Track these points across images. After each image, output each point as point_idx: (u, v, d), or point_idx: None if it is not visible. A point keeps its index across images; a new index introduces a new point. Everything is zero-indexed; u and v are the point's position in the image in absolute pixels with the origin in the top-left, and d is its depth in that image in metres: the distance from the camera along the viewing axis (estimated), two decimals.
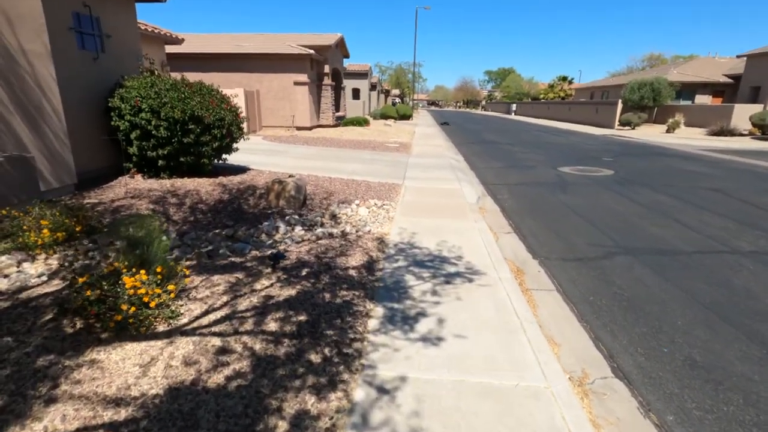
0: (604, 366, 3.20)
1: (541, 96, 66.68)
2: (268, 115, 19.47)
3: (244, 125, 8.45)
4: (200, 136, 7.14)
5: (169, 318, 2.99)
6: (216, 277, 3.82)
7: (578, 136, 23.75)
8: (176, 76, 8.10)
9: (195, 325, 3.01)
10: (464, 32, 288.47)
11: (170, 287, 3.07)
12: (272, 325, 3.14)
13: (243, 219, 5.84)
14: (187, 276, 3.48)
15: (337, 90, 24.74)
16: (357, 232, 5.62)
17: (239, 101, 15.66)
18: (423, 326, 3.42)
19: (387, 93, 56.85)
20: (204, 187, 7.03)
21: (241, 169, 8.88)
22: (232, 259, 4.42)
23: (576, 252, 5.54)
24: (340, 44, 23.65)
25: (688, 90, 32.73)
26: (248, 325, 3.10)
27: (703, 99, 32.87)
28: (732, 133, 23.26)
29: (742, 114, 24.11)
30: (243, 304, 3.39)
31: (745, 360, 3.25)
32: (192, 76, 8.70)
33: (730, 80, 31.96)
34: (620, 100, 30.16)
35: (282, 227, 5.51)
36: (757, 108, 24.31)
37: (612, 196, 8.69)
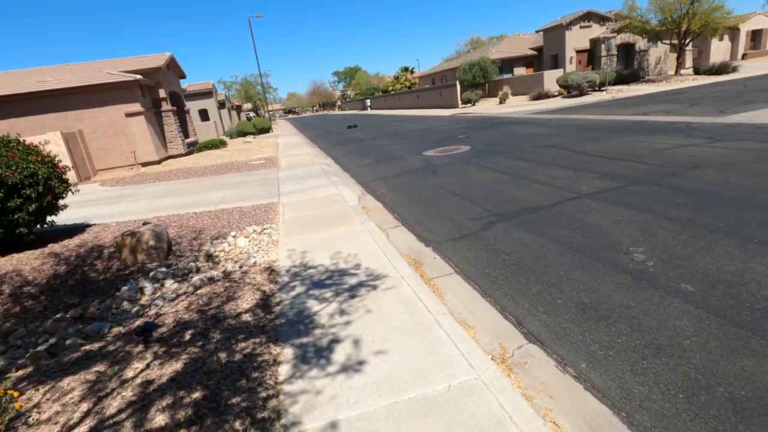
0: (517, 335, 3.33)
1: (390, 88, 70.53)
2: (101, 156, 16.67)
3: (70, 174, 6.95)
4: (6, 202, 5.61)
5: None
6: (66, 381, 2.95)
7: (431, 120, 25.64)
8: None
9: None
10: (307, 37, 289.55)
11: None
12: (160, 419, 2.51)
13: (93, 290, 4.75)
14: (17, 400, 2.59)
15: (181, 114, 22.43)
16: (241, 267, 5.02)
17: (56, 147, 13.03)
18: (340, 354, 3.13)
19: (239, 109, 53.86)
20: (28, 263, 5.56)
21: (78, 229, 7.32)
22: (87, 347, 3.49)
23: (461, 229, 5.80)
24: (172, 64, 21.40)
25: (507, 65, 37.89)
26: None
27: (520, 71, 38.40)
28: (547, 95, 27.64)
29: (550, 78, 28.82)
30: (113, 405, 2.65)
31: (618, 290, 3.70)
32: None
33: (535, 52, 37.93)
34: (457, 82, 33.46)
35: (148, 287, 4.62)
36: (559, 72, 29.28)
37: (475, 169, 9.45)
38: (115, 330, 3.77)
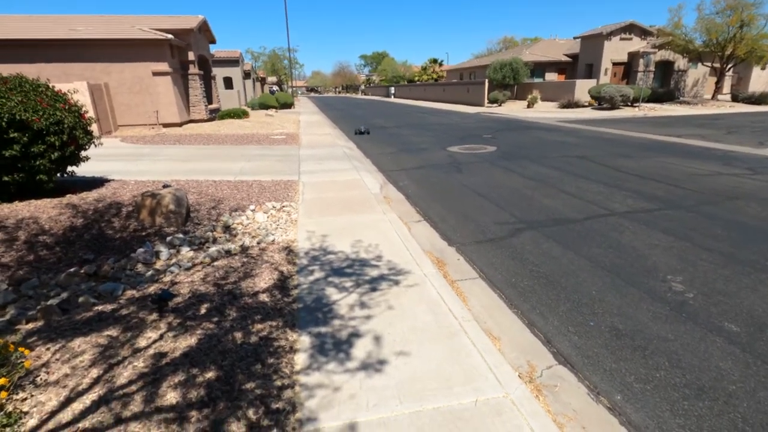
0: (546, 353, 3.15)
1: (416, 78, 69.71)
2: (124, 112, 16.62)
3: (94, 127, 6.85)
4: (29, 147, 5.51)
5: (5, 427, 2.05)
6: (77, 342, 2.84)
7: (456, 116, 25.21)
8: None
9: (50, 426, 2.12)
10: (337, 16, 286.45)
11: None
12: (171, 397, 2.39)
13: (108, 248, 4.65)
14: (26, 357, 2.48)
15: (207, 80, 22.27)
16: (259, 244, 4.89)
17: (82, 98, 12.96)
18: (360, 350, 2.98)
19: (263, 81, 53.59)
20: (45, 211, 5.48)
21: (97, 182, 7.25)
22: (99, 307, 3.38)
23: (486, 233, 5.60)
24: (204, 28, 21.18)
25: (539, 68, 37.02)
26: (136, 406, 2.30)
27: (551, 76, 37.54)
28: (577, 104, 27.00)
29: (582, 88, 28.11)
30: (124, 375, 2.54)
31: (655, 320, 3.50)
32: (8, 69, 6.72)
33: (569, 59, 37.00)
34: (486, 80, 32.82)
35: (164, 252, 4.51)
36: (592, 83, 28.55)
37: (501, 171, 9.19)
38: (129, 293, 3.66)
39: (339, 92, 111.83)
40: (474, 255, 4.93)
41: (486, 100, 32.02)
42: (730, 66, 28.63)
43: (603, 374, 2.91)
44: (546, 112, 25.30)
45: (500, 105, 30.93)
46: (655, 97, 28.26)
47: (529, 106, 28.60)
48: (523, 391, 2.63)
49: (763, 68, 33.29)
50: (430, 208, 6.79)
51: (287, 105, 33.30)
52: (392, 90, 62.86)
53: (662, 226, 5.55)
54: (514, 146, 12.63)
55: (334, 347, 3.01)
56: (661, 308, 3.65)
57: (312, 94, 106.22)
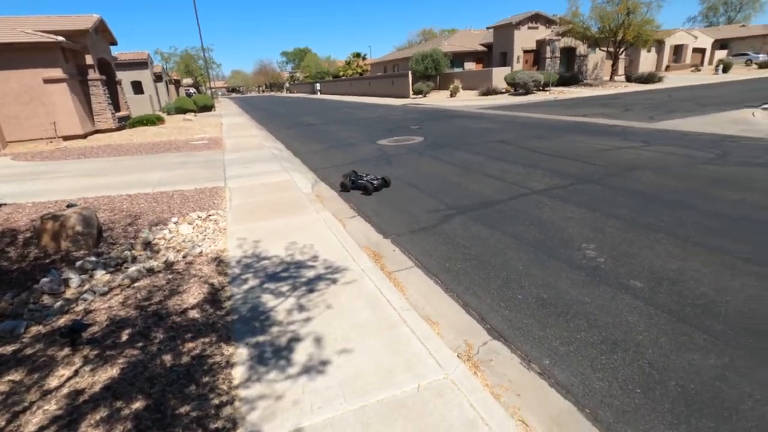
0: (481, 331, 3.31)
1: (341, 73, 69.26)
2: (14, 126, 14.68)
3: None
4: None
5: None
6: None
7: (383, 109, 25.47)
8: None
9: None
10: (254, 13, 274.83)
11: None
12: None
13: (4, 282, 4.10)
14: None
15: (112, 85, 20.35)
16: (185, 258, 4.60)
17: None
18: (301, 354, 2.92)
19: (177, 83, 50.11)
20: None
21: None
22: None
23: (419, 222, 5.74)
24: (102, 28, 19.28)
25: (458, 58, 38.50)
26: None
27: (470, 65, 39.21)
28: (495, 91, 28.49)
29: (499, 75, 29.72)
30: (33, 422, 2.26)
31: (574, 286, 3.82)
32: None
33: (485, 48, 38.87)
34: (410, 72, 33.49)
35: (74, 278, 4.07)
36: (507, 70, 30.27)
37: (429, 161, 9.46)
38: (34, 329, 3.26)
39: (263, 91, 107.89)
40: (409, 245, 5.03)
41: (411, 92, 32.69)
42: (622, 50, 31.82)
43: (533, 343, 3.12)
44: (468, 100, 26.42)
45: (425, 96, 31.75)
46: (563, 81, 30.65)
47: (452, 96, 29.66)
48: (462, 370, 2.74)
49: (648, 51, 37.41)
50: (363, 203, 6.81)
51: (207, 108, 31.52)
52: (318, 86, 61.96)
53: (575, 200, 6.06)
54: (440, 135, 13.05)
55: (274, 355, 2.92)
56: (578, 275, 4.00)
57: (234, 95, 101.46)
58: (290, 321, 3.33)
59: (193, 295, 3.74)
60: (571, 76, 31.72)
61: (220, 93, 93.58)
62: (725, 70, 35.70)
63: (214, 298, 3.69)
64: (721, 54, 44.32)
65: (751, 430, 2.25)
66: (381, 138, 13.30)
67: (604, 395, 2.58)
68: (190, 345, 3.00)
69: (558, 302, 3.58)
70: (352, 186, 7.47)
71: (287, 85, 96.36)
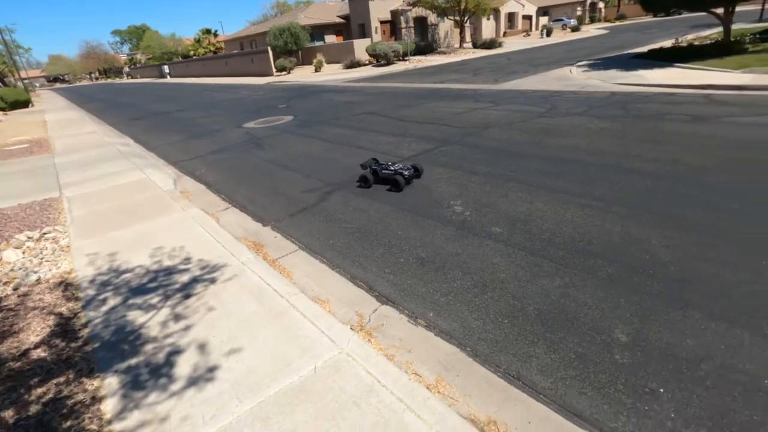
0: (370, 299, 3.43)
1: (191, 52, 62.53)
2: None
3: None
4: None
5: None
6: None
7: (246, 89, 23.89)
8: None
9: None
10: None
11: None
12: None
13: None
14: None
15: None
16: (17, 290, 3.79)
17: None
18: (184, 366, 2.68)
19: None
20: None
21: None
22: None
23: (298, 203, 5.62)
24: None
25: (318, 32, 37.69)
26: None
27: (330, 38, 38.75)
28: (359, 64, 28.77)
29: (360, 47, 30.00)
30: None
31: (447, 241, 4.17)
32: None
33: (344, 21, 38.65)
34: (269, 48, 31.78)
35: None
36: (367, 42, 30.68)
37: (301, 140, 9.23)
38: None
39: (97, 78, 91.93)
40: (290, 228, 4.91)
41: (274, 69, 31.19)
42: (466, 18, 34.59)
43: (417, 300, 3.35)
44: (333, 74, 26.23)
45: (289, 72, 30.60)
46: (419, 50, 32.30)
47: (316, 71, 29.12)
48: (356, 341, 2.82)
49: (488, 19, 41.39)
50: (235, 192, 6.39)
51: (21, 103, 25.81)
52: (166, 69, 55.18)
53: (441, 161, 6.55)
54: (309, 112, 12.79)
55: (152, 375, 2.63)
56: (450, 230, 4.37)
57: (57, 85, 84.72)
58: (166, 334, 3.01)
59: (34, 332, 3.12)
60: (426, 45, 33.56)
61: (37, 84, 77.37)
62: (548, 34, 41.44)
63: (64, 329, 3.14)
64: (544, 20, 51.31)
65: (588, 332, 2.77)
66: (247, 121, 12.51)
67: (480, 332, 2.91)
68: (39, 391, 2.52)
69: (435, 258, 3.88)
70: (375, 179, 5.87)
71: (127, 69, 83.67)
